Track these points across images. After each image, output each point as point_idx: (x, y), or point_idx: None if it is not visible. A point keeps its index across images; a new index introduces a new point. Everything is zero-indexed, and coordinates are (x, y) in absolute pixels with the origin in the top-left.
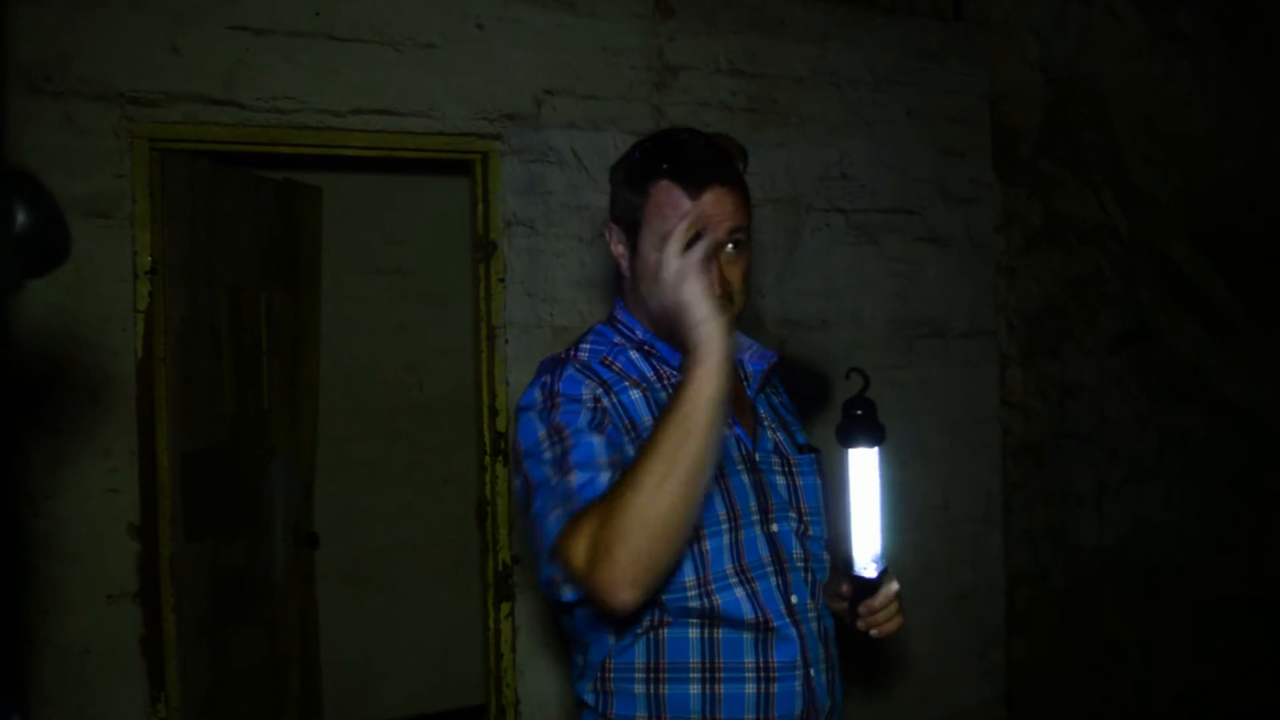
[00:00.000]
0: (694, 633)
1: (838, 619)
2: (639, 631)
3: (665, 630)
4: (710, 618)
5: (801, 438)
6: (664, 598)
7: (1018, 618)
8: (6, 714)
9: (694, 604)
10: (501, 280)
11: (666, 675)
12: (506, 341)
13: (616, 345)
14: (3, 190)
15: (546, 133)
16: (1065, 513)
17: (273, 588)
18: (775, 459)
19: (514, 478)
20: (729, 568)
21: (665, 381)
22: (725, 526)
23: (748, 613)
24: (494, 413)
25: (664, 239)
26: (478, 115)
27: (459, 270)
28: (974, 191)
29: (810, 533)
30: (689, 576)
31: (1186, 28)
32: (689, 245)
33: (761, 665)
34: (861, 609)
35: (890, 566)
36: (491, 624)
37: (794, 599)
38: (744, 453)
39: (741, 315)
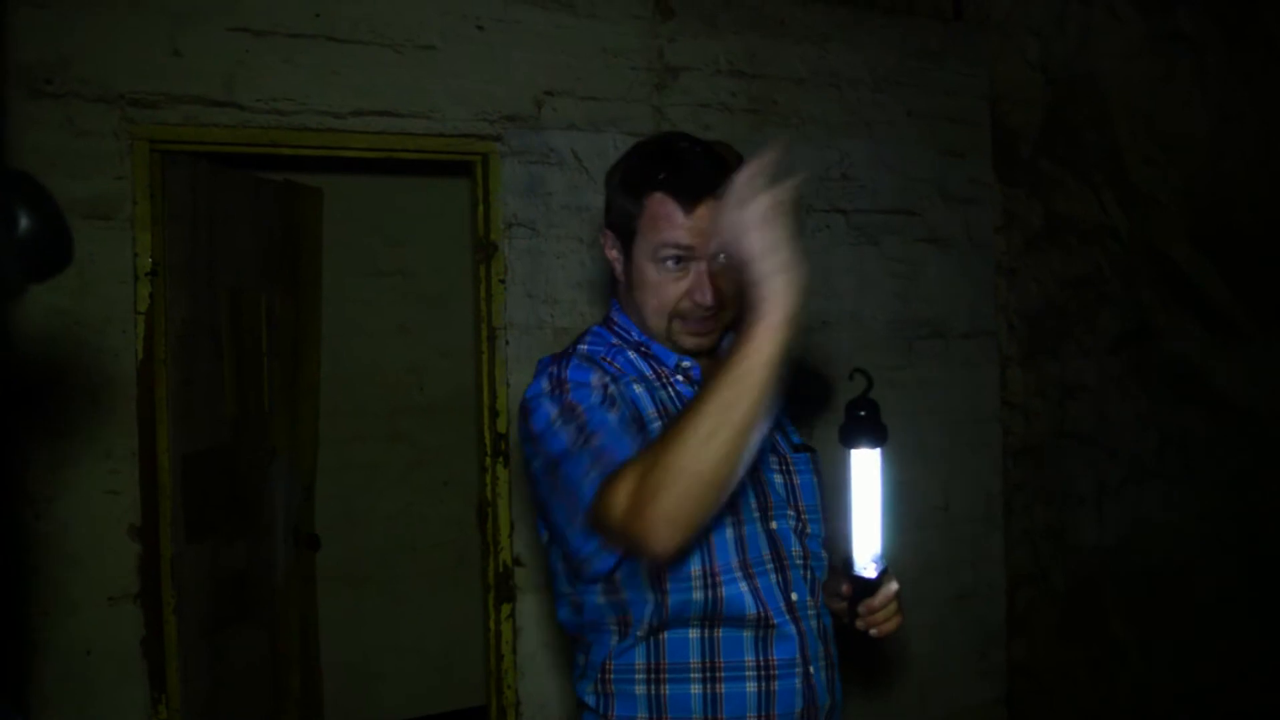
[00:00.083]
0: (694, 633)
1: (837, 619)
2: (639, 634)
3: (666, 632)
4: (711, 617)
5: (796, 437)
6: (668, 586)
7: (1018, 618)
8: (8, 715)
9: (697, 595)
10: (502, 281)
11: (667, 676)
12: (507, 343)
13: (614, 346)
14: (5, 195)
15: (547, 134)
16: (1065, 513)
17: (273, 589)
18: (772, 458)
19: (532, 460)
20: (734, 561)
21: (664, 381)
22: (729, 520)
23: (750, 608)
24: (495, 414)
25: (656, 248)
26: (478, 116)
27: (459, 271)
28: (974, 192)
29: (809, 531)
30: (694, 567)
31: (1186, 28)
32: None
33: (762, 663)
34: (861, 609)
35: (890, 567)
36: (492, 625)
37: (794, 596)
38: None
39: (733, 324)
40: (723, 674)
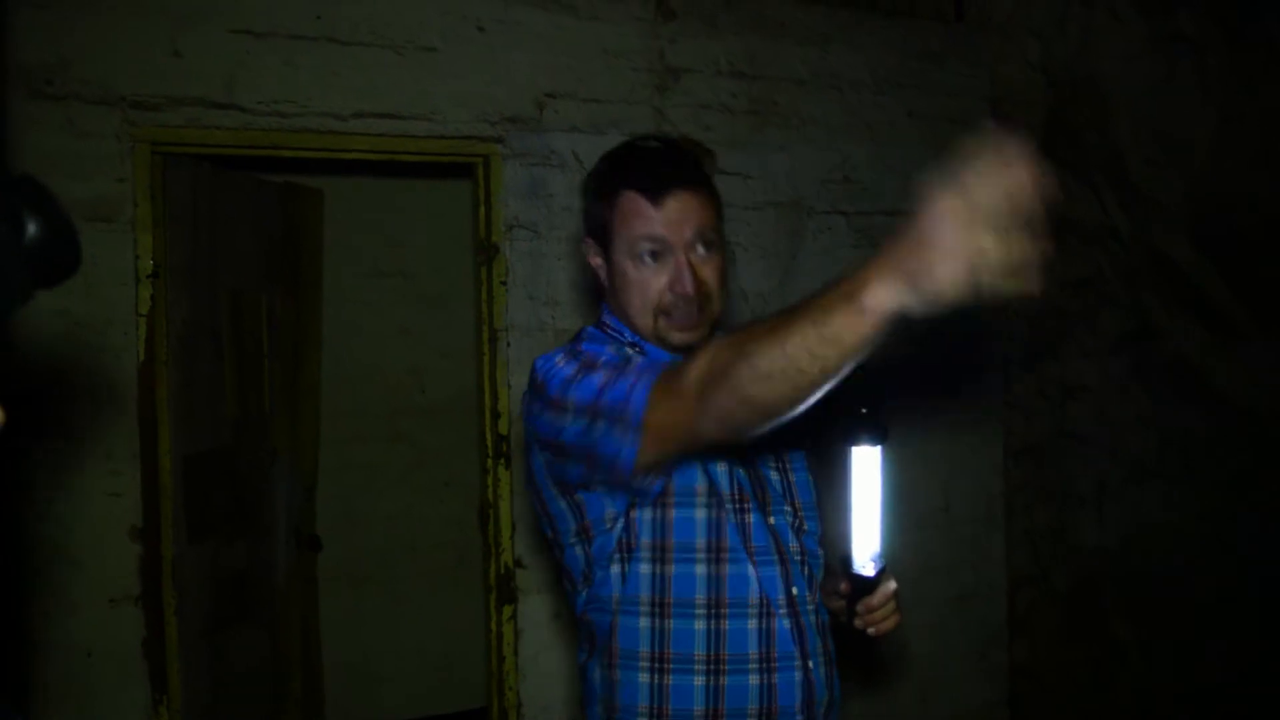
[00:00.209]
0: (700, 625)
1: (834, 617)
2: (644, 610)
3: (672, 621)
4: (717, 601)
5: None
6: (674, 557)
7: (1019, 619)
8: (9, 716)
9: (701, 570)
10: (503, 283)
11: (671, 666)
12: (508, 344)
13: (610, 346)
14: (13, 200)
15: (548, 136)
16: (1066, 513)
17: (274, 590)
18: (768, 454)
19: (559, 417)
20: (740, 542)
21: None
22: (732, 508)
23: (753, 592)
24: (496, 415)
25: (631, 243)
26: (479, 118)
27: (460, 273)
28: None
29: (805, 528)
30: (701, 539)
31: (1188, 29)
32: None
33: (764, 655)
34: (859, 607)
35: (891, 567)
36: (493, 626)
37: (794, 590)
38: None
39: (721, 318)
40: (726, 666)
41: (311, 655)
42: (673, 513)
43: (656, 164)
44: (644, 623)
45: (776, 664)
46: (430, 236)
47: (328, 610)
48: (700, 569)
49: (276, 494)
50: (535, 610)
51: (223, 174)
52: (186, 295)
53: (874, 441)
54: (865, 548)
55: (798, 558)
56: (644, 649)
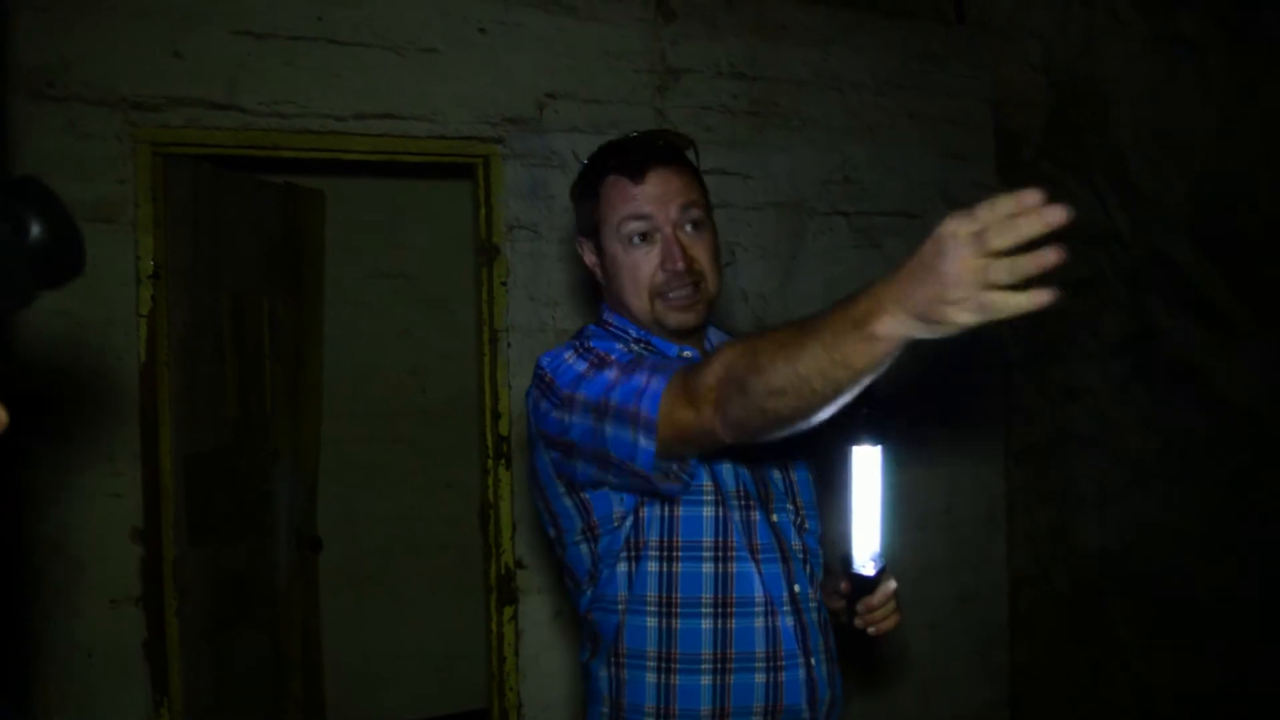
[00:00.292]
0: (707, 624)
1: (835, 617)
2: (650, 609)
3: (678, 620)
4: (723, 601)
5: None
6: (680, 555)
7: (1020, 619)
8: (10, 717)
9: (708, 568)
10: (504, 284)
11: (678, 665)
12: (509, 345)
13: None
14: (15, 201)
15: (549, 136)
16: (1067, 514)
17: (275, 591)
18: (771, 453)
19: (568, 414)
20: (744, 541)
21: None
22: (737, 504)
23: (758, 589)
24: (496, 416)
25: (618, 226)
26: (480, 119)
27: (461, 274)
28: (976, 195)
29: (806, 526)
30: (709, 537)
31: (1188, 30)
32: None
33: (770, 654)
34: (859, 607)
35: (891, 567)
36: (494, 627)
37: (796, 588)
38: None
39: (715, 302)
40: (733, 665)
41: (312, 656)
42: (679, 510)
43: (634, 147)
44: (651, 622)
45: (782, 662)
46: (431, 237)
47: (329, 611)
48: (707, 567)
49: (278, 495)
50: (536, 610)
51: (224, 175)
52: (187, 296)
53: (875, 441)
54: (865, 547)
55: (800, 556)
56: (650, 648)
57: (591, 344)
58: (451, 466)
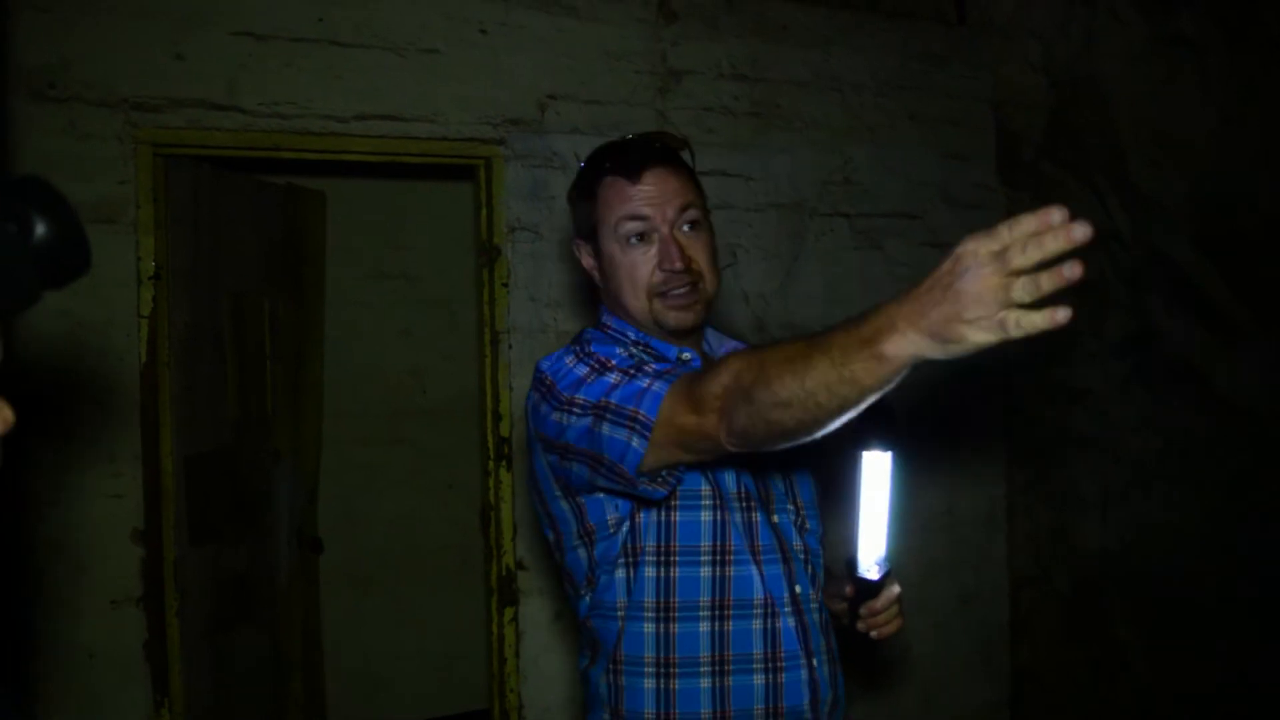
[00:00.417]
0: (704, 627)
1: (837, 619)
2: (649, 615)
3: (676, 624)
4: (721, 603)
5: None
6: (677, 559)
7: (1021, 620)
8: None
9: (706, 572)
10: (505, 285)
11: (677, 670)
12: (510, 346)
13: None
14: (20, 201)
15: (550, 138)
16: (1068, 515)
17: (276, 592)
18: (771, 454)
19: (567, 416)
20: (745, 543)
21: None
22: (738, 505)
23: (758, 591)
24: (497, 417)
25: (615, 226)
26: (481, 120)
27: (462, 275)
28: (977, 195)
29: (807, 526)
30: (706, 541)
31: (1188, 30)
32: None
33: (770, 655)
34: (862, 610)
35: (894, 570)
36: (495, 629)
37: (797, 589)
38: None
39: (714, 302)
40: (731, 667)
41: (313, 656)
42: (676, 515)
43: (631, 148)
44: (649, 628)
45: (783, 663)
46: (432, 238)
47: (329, 612)
48: (705, 571)
49: (278, 495)
50: (536, 612)
51: (224, 176)
52: (188, 297)
53: (885, 447)
54: (871, 551)
55: (801, 556)
56: (649, 654)
57: (592, 348)
58: (452, 467)
